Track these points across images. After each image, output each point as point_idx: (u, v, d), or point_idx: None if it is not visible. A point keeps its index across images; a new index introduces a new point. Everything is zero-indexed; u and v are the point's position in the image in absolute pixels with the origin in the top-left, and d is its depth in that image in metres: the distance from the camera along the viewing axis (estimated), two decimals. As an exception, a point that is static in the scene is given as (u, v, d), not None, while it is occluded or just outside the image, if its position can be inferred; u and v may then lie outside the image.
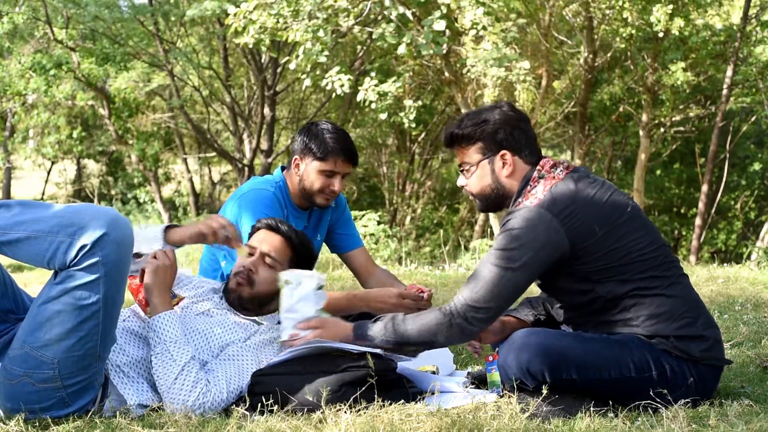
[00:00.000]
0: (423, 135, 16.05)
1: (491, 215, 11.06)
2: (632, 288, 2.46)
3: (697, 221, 11.92)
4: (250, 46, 9.45)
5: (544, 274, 2.52)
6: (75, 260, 2.21)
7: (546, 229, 2.42)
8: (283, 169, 3.49)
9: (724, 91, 11.19)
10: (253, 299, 2.76)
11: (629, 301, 2.47)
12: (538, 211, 2.44)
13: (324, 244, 3.64)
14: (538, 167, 2.56)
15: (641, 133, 12.21)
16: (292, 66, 9.84)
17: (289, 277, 2.60)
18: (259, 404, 2.39)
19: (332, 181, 3.33)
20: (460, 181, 2.68)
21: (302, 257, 2.84)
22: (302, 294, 2.58)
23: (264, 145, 15.07)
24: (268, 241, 2.82)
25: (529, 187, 2.54)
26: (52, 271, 2.29)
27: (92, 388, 2.39)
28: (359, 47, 13.53)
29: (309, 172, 3.34)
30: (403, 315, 2.56)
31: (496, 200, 2.63)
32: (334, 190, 3.34)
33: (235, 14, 8.75)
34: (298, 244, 2.83)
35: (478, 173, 2.62)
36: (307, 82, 9.91)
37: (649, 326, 2.45)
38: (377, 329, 2.55)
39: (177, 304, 2.69)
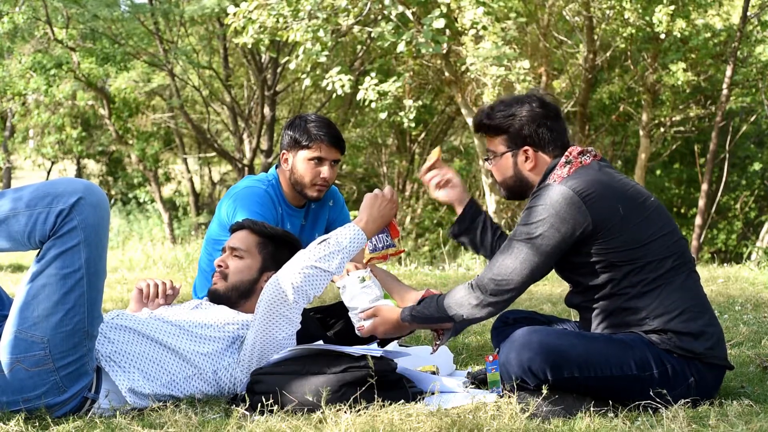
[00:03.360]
0: (423, 135, 16.03)
1: (491, 215, 11.06)
2: (647, 274, 2.47)
3: (697, 221, 11.90)
4: (249, 46, 9.44)
5: (566, 252, 2.53)
6: (54, 228, 2.28)
7: (568, 205, 2.45)
8: (277, 167, 3.48)
9: (724, 91, 11.17)
10: (230, 291, 2.82)
11: (642, 288, 2.48)
12: (561, 188, 2.49)
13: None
14: (565, 154, 2.62)
15: (641, 133, 12.20)
16: (291, 66, 9.83)
17: (339, 284, 2.85)
18: (259, 404, 2.39)
19: (321, 169, 3.32)
20: (487, 165, 2.77)
21: (271, 237, 2.89)
22: (352, 294, 2.80)
23: (264, 145, 15.06)
24: (232, 238, 2.91)
25: (553, 173, 2.58)
26: (36, 253, 2.33)
27: (85, 373, 2.39)
28: (359, 47, 13.52)
29: (297, 163, 3.33)
30: (441, 293, 2.67)
31: (518, 190, 2.70)
32: (324, 178, 3.33)
33: (234, 14, 8.74)
34: (261, 227, 2.89)
35: (501, 163, 2.70)
36: (307, 81, 9.91)
37: (657, 316, 2.46)
38: (420, 308, 2.66)
39: (394, 254, 2.88)
